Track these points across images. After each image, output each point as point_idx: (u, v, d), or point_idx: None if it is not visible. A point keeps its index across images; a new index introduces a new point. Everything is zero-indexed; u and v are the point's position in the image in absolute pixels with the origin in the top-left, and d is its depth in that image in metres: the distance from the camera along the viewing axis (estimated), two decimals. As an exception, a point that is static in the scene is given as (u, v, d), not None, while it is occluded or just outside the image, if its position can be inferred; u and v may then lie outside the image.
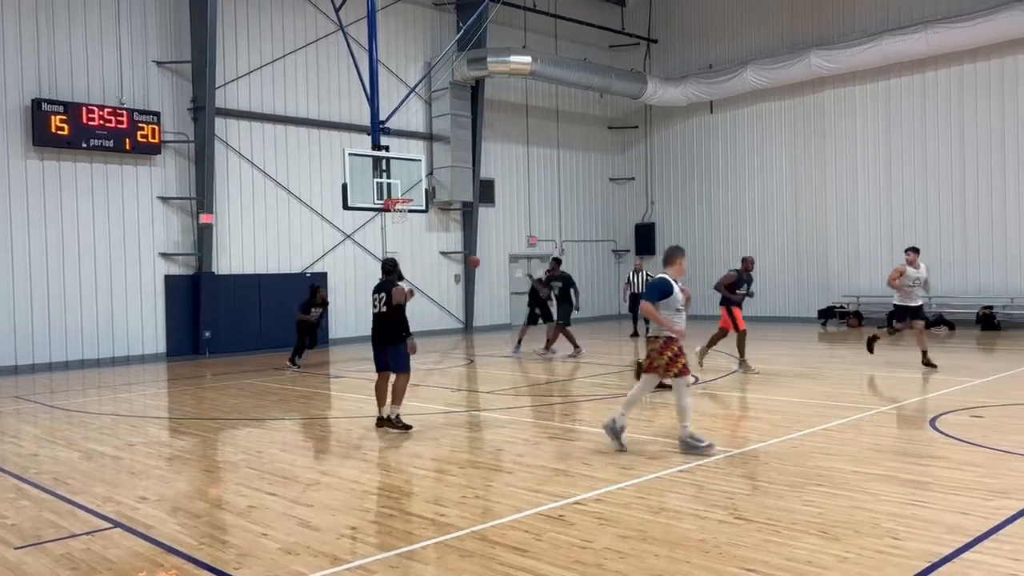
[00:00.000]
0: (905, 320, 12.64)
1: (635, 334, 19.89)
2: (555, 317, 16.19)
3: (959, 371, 12.20)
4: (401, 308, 8.81)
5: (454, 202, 22.75)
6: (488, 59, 21.67)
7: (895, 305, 12.80)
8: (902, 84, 21.38)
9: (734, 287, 12.86)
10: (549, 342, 16.03)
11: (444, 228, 23.21)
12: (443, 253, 23.12)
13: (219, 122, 18.46)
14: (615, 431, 7.61)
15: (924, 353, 12.64)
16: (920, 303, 12.66)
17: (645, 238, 27.18)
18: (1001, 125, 19.84)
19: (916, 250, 12.65)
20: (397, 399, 8.94)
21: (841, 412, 9.21)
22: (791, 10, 23.38)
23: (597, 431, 8.71)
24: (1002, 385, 11.04)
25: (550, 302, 16.28)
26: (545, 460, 7.39)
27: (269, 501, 6.29)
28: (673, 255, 7.81)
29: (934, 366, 12.41)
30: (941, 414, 8.89)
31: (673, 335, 7.43)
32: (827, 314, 22.29)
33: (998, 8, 18.84)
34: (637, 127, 27.49)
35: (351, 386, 13.10)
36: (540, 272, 20.27)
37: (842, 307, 22.19)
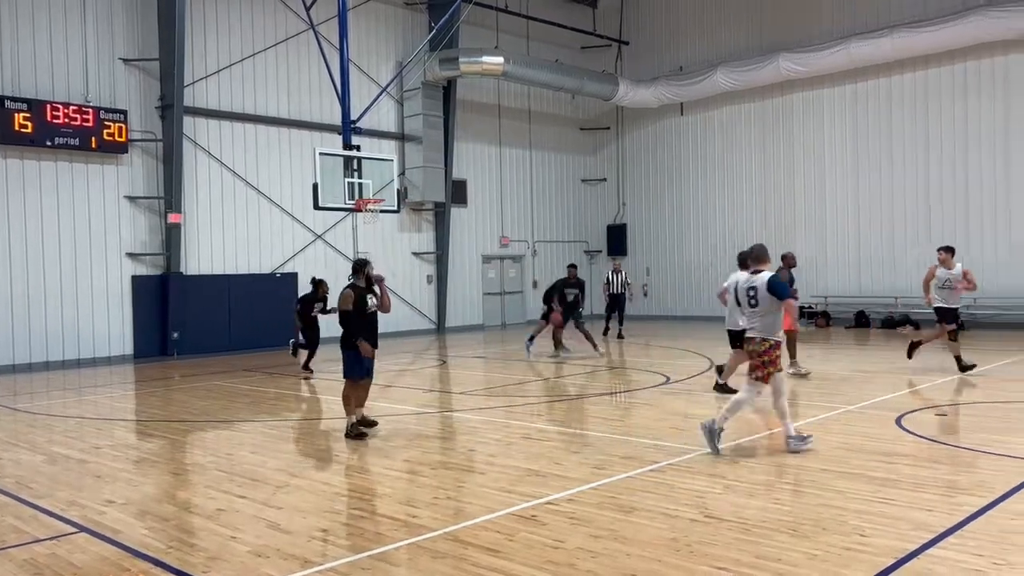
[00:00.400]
0: (952, 322, 12.08)
1: (607, 331, 19.95)
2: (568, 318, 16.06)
3: (923, 370, 12.39)
4: (346, 313, 8.51)
5: (426, 202, 22.69)
6: (460, 59, 21.65)
7: (936, 308, 12.22)
8: (868, 88, 21.69)
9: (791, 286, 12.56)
10: (589, 338, 15.70)
11: (416, 228, 23.14)
12: (415, 254, 23.04)
13: (187, 121, 18.24)
14: (796, 442, 7.38)
15: (915, 344, 12.50)
16: (952, 305, 12.12)
17: (617, 239, 27.31)
18: (964, 128, 20.19)
19: (949, 249, 12.20)
20: (343, 407, 8.76)
21: (809, 411, 9.32)
22: (760, 13, 23.63)
23: (568, 431, 8.74)
24: (965, 384, 11.23)
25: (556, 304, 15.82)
26: (517, 460, 7.39)
27: (238, 504, 6.23)
28: (766, 254, 7.75)
29: (971, 366, 12.06)
30: (907, 412, 9.03)
31: (779, 340, 7.43)
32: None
33: (964, 13, 19.17)
34: (609, 128, 27.61)
35: (322, 387, 13.00)
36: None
37: (810, 307, 22.45)
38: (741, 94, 23.90)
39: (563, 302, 15.76)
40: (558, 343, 15.94)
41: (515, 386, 12.60)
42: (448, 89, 22.87)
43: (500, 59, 22.07)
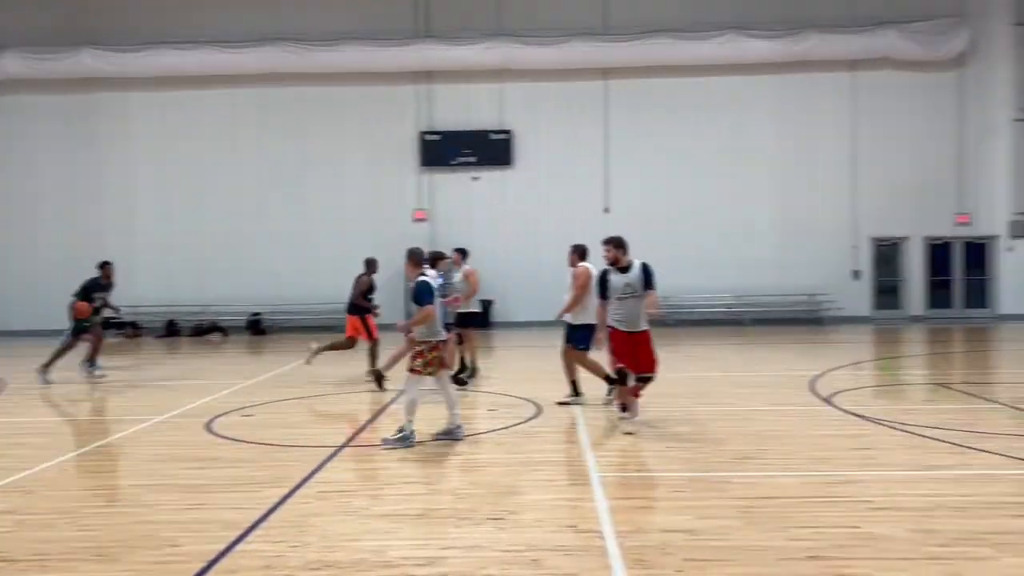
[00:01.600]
0: (461, 326, 11.27)
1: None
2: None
3: (231, 374, 13.01)
4: None
5: None
6: None
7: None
8: (178, 97, 21.86)
9: (367, 294, 11.85)
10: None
11: None
12: None
13: None
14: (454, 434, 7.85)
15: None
16: (465, 311, 11.30)
17: None
18: (249, 150, 21.99)
19: (460, 252, 11.64)
20: None
21: (118, 425, 8.93)
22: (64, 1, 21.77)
23: None
24: (268, 384, 12.18)
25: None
26: None
27: None
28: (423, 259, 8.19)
29: (464, 383, 11.18)
30: (216, 416, 9.36)
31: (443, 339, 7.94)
32: (103, 326, 21.35)
33: (262, 40, 20.87)
34: None
35: None
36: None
37: (118, 318, 21.53)
38: (41, 84, 21.63)
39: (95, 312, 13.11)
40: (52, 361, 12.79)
41: None
42: None
43: None
